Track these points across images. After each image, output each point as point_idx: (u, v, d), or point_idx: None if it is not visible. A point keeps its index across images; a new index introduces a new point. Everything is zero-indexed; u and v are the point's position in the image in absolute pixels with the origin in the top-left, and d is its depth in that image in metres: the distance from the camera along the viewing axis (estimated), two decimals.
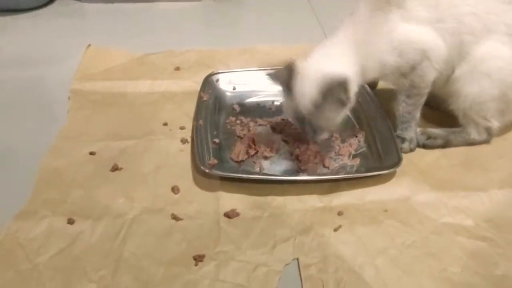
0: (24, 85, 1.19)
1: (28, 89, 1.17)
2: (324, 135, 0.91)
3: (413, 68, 0.89)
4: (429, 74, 0.91)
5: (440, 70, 0.91)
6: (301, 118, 0.87)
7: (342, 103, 0.84)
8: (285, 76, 0.86)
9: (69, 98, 1.12)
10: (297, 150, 0.95)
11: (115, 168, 0.92)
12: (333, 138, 1.00)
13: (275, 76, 0.88)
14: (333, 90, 0.82)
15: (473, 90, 0.91)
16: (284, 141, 0.99)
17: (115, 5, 1.61)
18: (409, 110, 0.96)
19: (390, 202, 0.86)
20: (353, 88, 0.86)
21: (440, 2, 0.88)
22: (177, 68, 1.24)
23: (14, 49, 1.34)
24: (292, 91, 0.86)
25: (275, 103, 1.11)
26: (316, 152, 0.94)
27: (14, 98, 1.14)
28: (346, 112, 0.89)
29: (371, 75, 0.93)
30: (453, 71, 0.92)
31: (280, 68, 0.87)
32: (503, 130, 1.00)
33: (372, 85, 1.12)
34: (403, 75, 0.91)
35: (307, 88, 0.84)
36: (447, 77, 0.93)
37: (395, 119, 0.99)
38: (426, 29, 0.88)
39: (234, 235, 0.80)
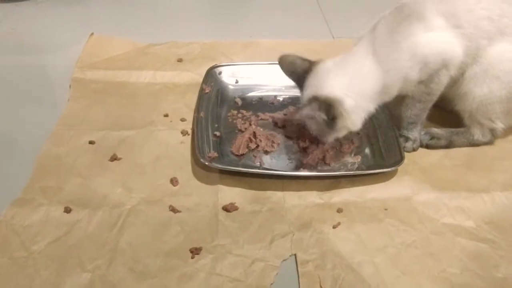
0: (25, 73, 1.18)
1: (29, 77, 1.17)
2: (326, 140, 0.89)
3: (431, 76, 0.88)
4: (445, 81, 0.90)
5: (452, 75, 0.90)
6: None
7: (325, 122, 0.82)
8: (302, 72, 0.86)
9: (70, 86, 1.11)
10: (303, 143, 0.94)
11: (114, 158, 0.91)
12: None
13: (289, 67, 0.88)
14: (314, 106, 0.80)
15: (482, 91, 0.90)
16: (288, 137, 0.98)
17: None
18: (418, 113, 0.95)
19: (391, 201, 0.85)
20: (351, 110, 0.83)
21: (457, 9, 0.86)
22: (180, 60, 1.22)
23: (16, 37, 1.33)
24: (301, 90, 0.87)
25: (278, 98, 1.10)
26: (323, 149, 0.93)
27: (15, 86, 1.13)
28: (340, 132, 0.86)
29: (392, 93, 0.89)
30: (462, 74, 0.91)
31: (304, 61, 0.87)
32: (507, 132, 0.99)
33: None
34: (422, 83, 0.89)
35: (305, 93, 0.85)
36: (455, 80, 0.92)
37: (398, 118, 0.98)
38: (447, 38, 0.86)
39: (232, 228, 0.79)
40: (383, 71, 0.85)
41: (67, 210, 0.80)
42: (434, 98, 0.93)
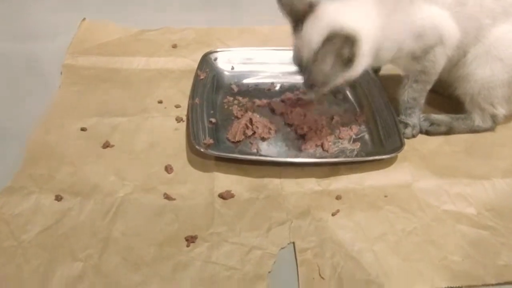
0: (17, 60, 1.15)
1: (21, 64, 1.14)
2: (318, 93, 0.86)
3: (425, 52, 0.86)
4: (441, 60, 0.88)
5: (450, 56, 0.88)
6: (301, 64, 0.82)
7: (343, 61, 0.77)
8: (301, 10, 0.80)
9: (61, 73, 1.08)
10: (301, 130, 0.93)
11: (106, 145, 0.89)
12: (333, 122, 0.97)
13: (288, 5, 0.81)
14: (336, 42, 0.74)
15: (484, 74, 0.88)
16: (285, 123, 0.96)
17: None
18: (415, 96, 0.93)
19: (390, 188, 0.83)
20: (363, 52, 0.78)
21: None
22: (175, 46, 1.20)
23: (7, 23, 1.29)
24: (301, 30, 0.80)
25: (275, 84, 1.07)
26: (321, 135, 0.92)
27: (6, 73, 1.10)
28: (347, 75, 0.81)
29: (384, 57, 0.87)
30: (464, 55, 0.89)
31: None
32: (507, 118, 0.97)
33: (376, 69, 1.08)
34: (415, 59, 0.87)
35: (315, 31, 0.78)
36: (456, 61, 0.90)
37: (398, 104, 0.96)
38: (446, 14, 0.84)
39: (228, 216, 0.77)
40: (384, 24, 0.81)
41: (58, 198, 0.78)
42: (430, 79, 0.90)
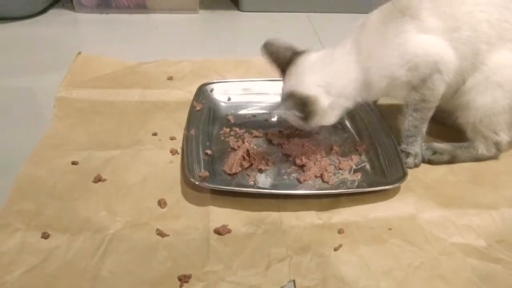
0: (11, 94, 1.13)
1: (15, 98, 1.12)
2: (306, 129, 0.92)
3: (423, 81, 0.85)
4: (440, 87, 0.86)
5: (450, 82, 0.87)
6: None
7: (300, 118, 0.84)
8: (285, 59, 0.87)
9: (54, 106, 1.06)
10: (300, 160, 0.90)
11: (98, 179, 0.85)
12: (332, 152, 0.94)
13: (271, 56, 0.88)
14: (291, 101, 0.83)
15: (485, 101, 0.86)
16: (283, 154, 0.93)
17: (110, 15, 1.57)
18: (416, 124, 0.91)
19: (395, 220, 0.80)
20: (323, 108, 0.84)
21: (455, 10, 0.83)
22: (170, 78, 1.19)
23: (3, 57, 1.29)
24: (284, 77, 0.88)
25: (272, 115, 1.05)
26: (321, 166, 0.90)
27: (0, 106, 1.08)
28: (320, 123, 0.87)
29: (377, 90, 0.87)
30: (463, 82, 0.87)
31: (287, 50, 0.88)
32: (511, 145, 0.95)
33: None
34: (414, 88, 0.86)
35: (285, 85, 0.87)
36: (456, 89, 0.88)
37: (398, 133, 0.94)
38: (439, 40, 0.83)
39: (224, 253, 0.73)
40: (364, 68, 0.84)
41: (45, 236, 0.74)
42: (431, 106, 0.88)
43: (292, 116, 0.85)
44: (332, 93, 0.83)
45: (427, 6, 0.83)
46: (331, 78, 0.84)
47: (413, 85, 0.85)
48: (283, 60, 0.87)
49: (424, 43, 0.83)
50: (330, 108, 0.84)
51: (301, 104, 0.82)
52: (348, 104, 0.86)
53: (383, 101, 1.07)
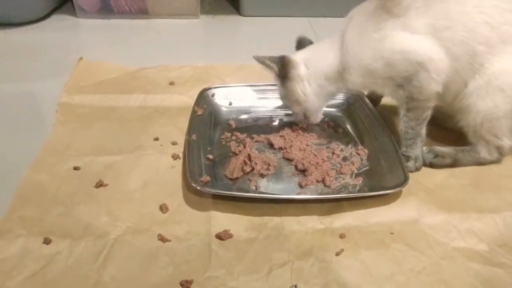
0: (13, 99, 1.13)
1: (17, 103, 1.12)
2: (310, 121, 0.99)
3: (408, 79, 0.85)
4: (429, 86, 0.85)
5: (446, 83, 0.86)
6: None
7: (278, 76, 0.94)
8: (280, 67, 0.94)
9: (56, 111, 1.06)
10: (301, 165, 0.90)
11: (99, 185, 0.85)
12: (334, 156, 0.94)
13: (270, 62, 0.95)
14: (274, 60, 0.93)
15: (486, 105, 0.86)
16: (285, 159, 0.93)
17: (111, 21, 1.58)
18: (412, 125, 0.90)
19: (396, 224, 0.80)
20: (300, 73, 0.93)
21: (449, 9, 0.83)
22: (172, 83, 1.19)
23: (5, 63, 1.29)
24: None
25: (273, 119, 1.06)
26: (322, 170, 0.89)
27: (2, 112, 1.08)
28: (293, 95, 0.95)
29: (354, 81, 0.90)
30: (464, 86, 0.87)
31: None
32: None
33: (375, 101, 1.07)
34: (399, 86, 0.87)
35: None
36: (456, 92, 0.88)
37: (400, 137, 0.94)
38: (425, 39, 0.83)
39: (226, 258, 0.73)
40: (342, 56, 0.89)
41: (47, 241, 0.74)
42: (423, 105, 0.88)
43: (277, 80, 0.95)
44: (309, 67, 0.93)
45: (417, 5, 0.84)
46: (313, 56, 0.94)
47: (398, 83, 0.86)
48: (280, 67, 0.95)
49: (405, 41, 0.83)
50: (306, 80, 0.93)
51: (283, 64, 0.92)
52: (327, 89, 0.94)
53: (384, 103, 1.08)
